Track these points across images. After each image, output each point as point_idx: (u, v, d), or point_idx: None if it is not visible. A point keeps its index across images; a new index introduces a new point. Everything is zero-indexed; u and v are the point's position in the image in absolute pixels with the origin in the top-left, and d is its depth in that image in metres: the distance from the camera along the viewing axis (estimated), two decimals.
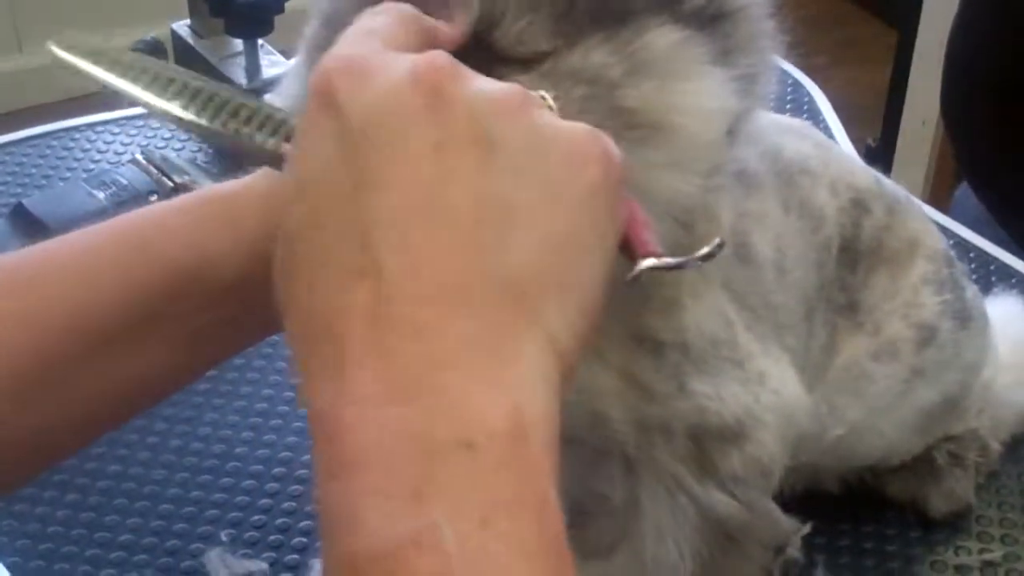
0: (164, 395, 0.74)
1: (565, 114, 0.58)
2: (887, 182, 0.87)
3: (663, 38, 0.63)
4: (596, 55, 0.62)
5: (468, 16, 0.61)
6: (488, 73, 0.59)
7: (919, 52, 2.26)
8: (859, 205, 0.82)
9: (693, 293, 0.71)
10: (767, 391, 0.73)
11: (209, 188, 0.74)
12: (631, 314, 0.69)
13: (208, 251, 0.68)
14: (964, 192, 1.55)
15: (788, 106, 1.35)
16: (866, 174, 0.85)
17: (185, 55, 1.36)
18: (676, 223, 0.63)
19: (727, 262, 0.72)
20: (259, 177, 0.69)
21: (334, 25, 0.65)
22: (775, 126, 0.81)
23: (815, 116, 1.34)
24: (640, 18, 0.63)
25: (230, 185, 0.72)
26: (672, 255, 0.61)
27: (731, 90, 0.64)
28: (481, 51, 0.61)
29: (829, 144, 0.85)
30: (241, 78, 1.29)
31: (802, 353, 0.78)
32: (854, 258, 0.82)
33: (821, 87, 1.40)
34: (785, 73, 1.40)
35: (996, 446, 0.95)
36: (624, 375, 0.70)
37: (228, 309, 0.69)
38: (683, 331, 0.70)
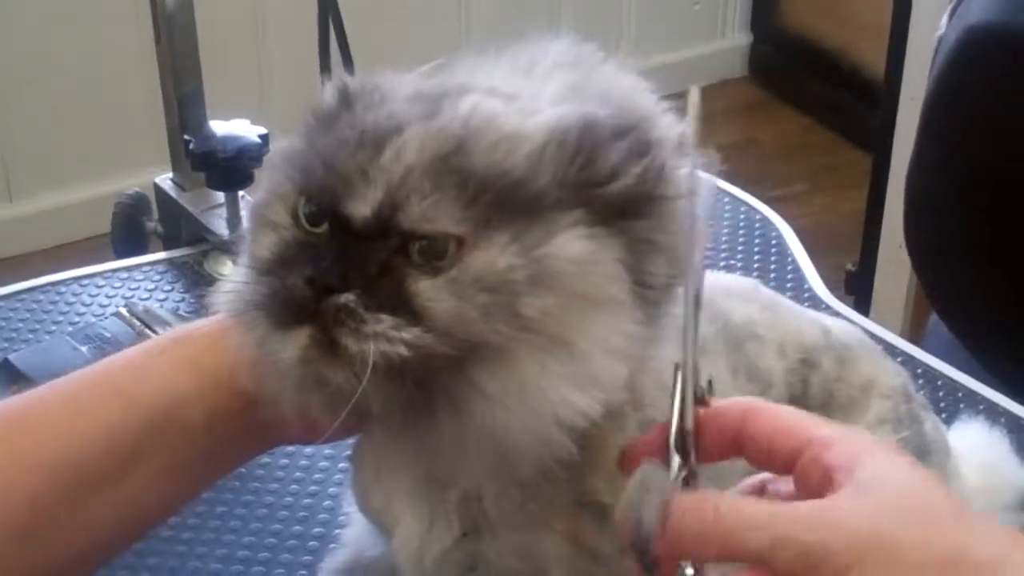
0: (149, 528, 0.79)
1: (466, 320, 0.61)
2: (838, 330, 0.88)
3: (572, 246, 0.63)
4: (502, 259, 0.62)
5: (372, 199, 0.63)
6: (392, 272, 0.63)
7: (894, 177, 2.30)
8: (807, 363, 0.83)
9: None
10: None
11: (175, 331, 0.78)
12: (575, 480, 0.70)
13: (178, 392, 0.73)
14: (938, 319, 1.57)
15: (757, 242, 1.38)
16: (814, 329, 0.86)
17: (168, 207, 1.40)
18: (567, 436, 0.65)
19: None
20: (214, 320, 0.72)
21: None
22: (723, 290, 0.83)
23: (783, 251, 1.37)
24: (550, 215, 0.63)
25: (191, 327, 0.76)
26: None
27: (642, 326, 0.65)
28: (383, 239, 0.63)
29: (777, 303, 0.86)
30: (223, 229, 1.32)
31: None
32: None
33: (800, 214, 1.43)
34: (752, 210, 1.43)
35: None
36: (570, 539, 0.71)
37: (200, 446, 0.74)
38: None
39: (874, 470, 0.59)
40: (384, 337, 0.62)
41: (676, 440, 0.62)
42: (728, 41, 3.60)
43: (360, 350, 0.62)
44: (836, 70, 3.31)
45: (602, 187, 0.64)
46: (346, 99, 0.69)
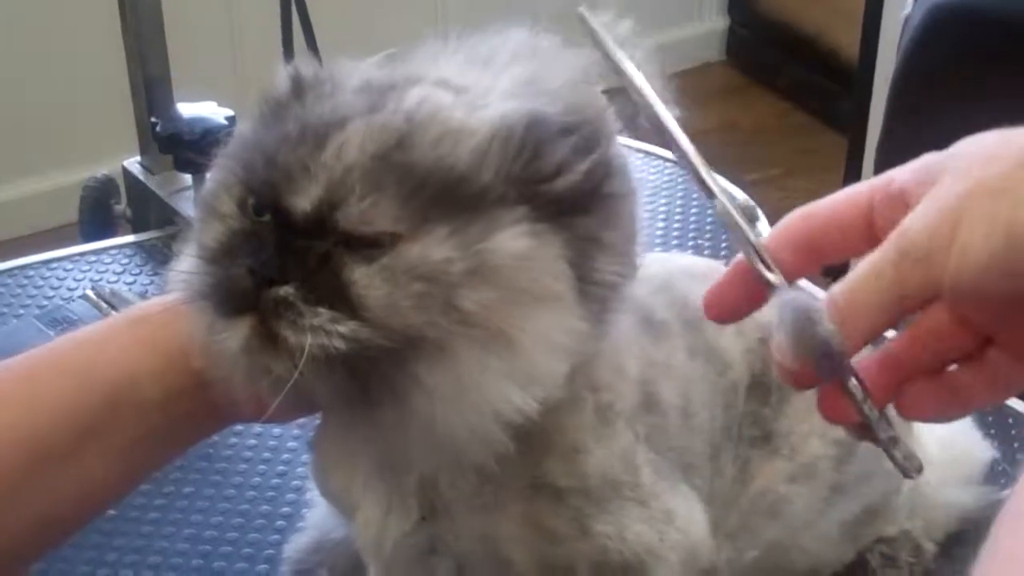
0: (106, 505, 0.79)
1: (399, 309, 0.61)
2: None
3: (513, 243, 0.63)
4: (438, 251, 0.62)
5: (313, 195, 0.63)
6: (330, 262, 0.63)
7: (868, 159, 2.31)
8: (766, 342, 0.83)
9: (596, 437, 0.72)
10: (673, 529, 0.74)
11: (134, 309, 0.79)
12: (531, 463, 0.71)
13: (134, 370, 0.74)
14: None
15: None
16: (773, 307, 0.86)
17: (137, 191, 1.40)
18: (505, 432, 0.65)
19: (634, 410, 0.74)
20: (170, 298, 0.72)
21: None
22: (683, 272, 0.83)
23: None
24: (492, 211, 0.63)
25: (148, 306, 0.77)
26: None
27: (585, 322, 0.65)
28: (324, 234, 0.63)
29: None
30: (191, 211, 1.32)
31: (707, 492, 0.79)
32: (766, 392, 0.83)
33: (778, 197, 1.43)
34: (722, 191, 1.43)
35: (930, 546, 0.96)
36: (526, 521, 0.72)
37: (156, 423, 0.75)
38: (584, 477, 0.72)
39: (942, 165, 0.59)
40: (322, 330, 0.62)
41: (761, 261, 0.61)
42: (705, 25, 3.60)
43: (298, 342, 0.63)
44: (813, 54, 3.31)
45: (547, 183, 0.64)
46: (298, 88, 0.69)
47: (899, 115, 1.40)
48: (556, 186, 0.64)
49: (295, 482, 1.07)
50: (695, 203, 1.41)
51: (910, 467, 0.60)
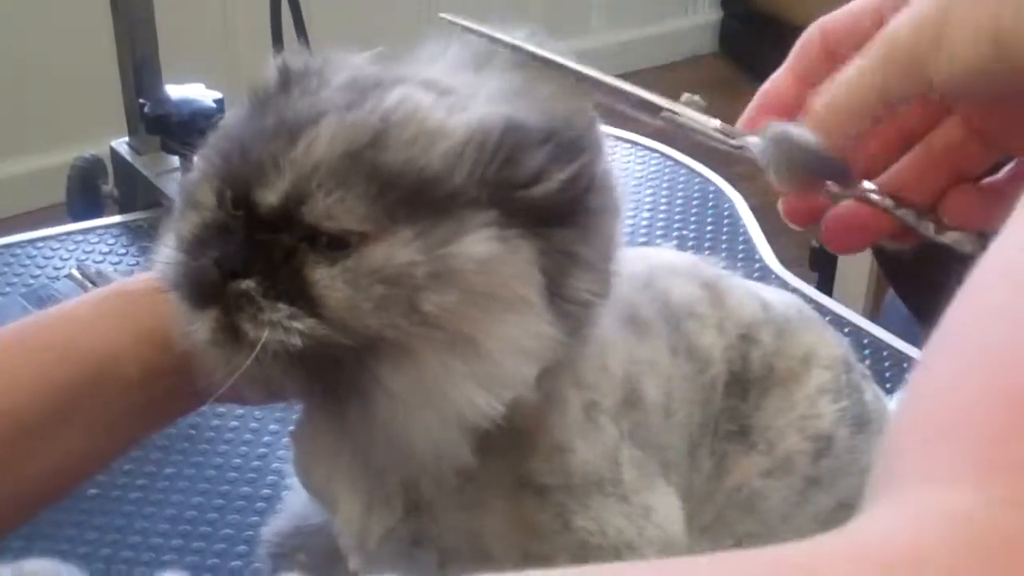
0: (83, 480, 0.80)
1: (360, 311, 0.61)
2: (778, 302, 0.87)
3: (479, 247, 0.63)
4: (402, 253, 0.62)
5: (280, 189, 0.63)
6: (294, 258, 0.63)
7: None
8: (746, 339, 0.83)
9: (582, 435, 0.72)
10: (651, 525, 0.75)
11: (112, 286, 0.80)
12: (515, 461, 0.71)
13: (114, 348, 0.74)
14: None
15: (710, 213, 1.39)
16: (753, 303, 0.85)
17: (124, 171, 1.41)
18: (467, 435, 0.65)
19: (619, 407, 0.74)
20: (151, 275, 0.72)
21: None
22: (665, 268, 0.83)
23: (735, 224, 1.38)
24: (461, 214, 0.63)
25: (129, 283, 0.77)
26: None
27: (555, 328, 0.64)
28: (290, 229, 0.63)
29: (717, 279, 0.85)
30: (177, 192, 1.33)
31: (685, 488, 0.79)
32: (744, 388, 0.83)
33: (767, 190, 1.43)
34: (707, 181, 1.44)
35: None
36: (510, 518, 0.72)
37: (136, 400, 0.75)
38: (569, 474, 0.72)
39: None
40: (280, 326, 0.63)
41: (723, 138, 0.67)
42: (698, 17, 3.60)
43: (256, 336, 0.63)
44: None
45: (523, 189, 0.64)
46: (285, 80, 0.69)
47: None
48: (533, 193, 0.64)
49: (275, 464, 1.07)
50: (680, 194, 1.42)
51: (966, 248, 0.61)
